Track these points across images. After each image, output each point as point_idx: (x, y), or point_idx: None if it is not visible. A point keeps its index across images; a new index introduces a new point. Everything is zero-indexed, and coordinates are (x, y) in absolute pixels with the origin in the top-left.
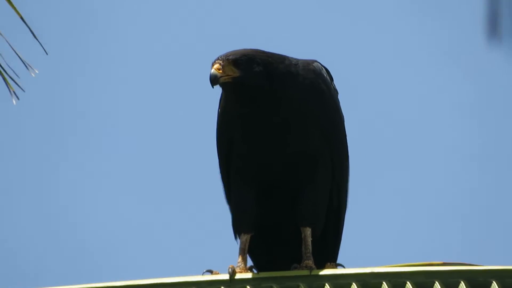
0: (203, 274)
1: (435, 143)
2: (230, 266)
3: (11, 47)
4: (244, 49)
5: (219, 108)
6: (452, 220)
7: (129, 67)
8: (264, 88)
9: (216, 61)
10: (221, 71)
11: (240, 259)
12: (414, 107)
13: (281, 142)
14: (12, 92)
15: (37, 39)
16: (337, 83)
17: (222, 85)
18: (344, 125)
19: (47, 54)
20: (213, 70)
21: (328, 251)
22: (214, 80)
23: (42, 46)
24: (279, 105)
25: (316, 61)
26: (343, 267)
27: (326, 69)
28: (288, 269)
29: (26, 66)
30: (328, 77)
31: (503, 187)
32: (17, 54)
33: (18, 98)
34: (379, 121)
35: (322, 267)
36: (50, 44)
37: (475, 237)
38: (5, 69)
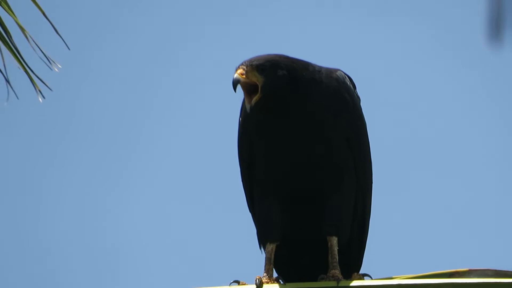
0: (230, 284)
1: (457, 148)
2: (257, 277)
3: (36, 44)
4: (268, 55)
5: (240, 117)
6: (477, 225)
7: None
8: (288, 92)
9: (240, 66)
10: (244, 76)
11: (266, 269)
12: (437, 112)
13: (304, 149)
14: (37, 90)
15: (59, 35)
16: (359, 90)
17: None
18: (367, 133)
19: (69, 49)
20: (236, 75)
21: (352, 260)
22: (235, 84)
23: (64, 41)
24: (302, 112)
25: (339, 69)
26: (370, 277)
27: (349, 77)
28: (314, 279)
29: (49, 61)
30: (351, 86)
31: None
32: (41, 51)
33: (44, 97)
34: (402, 128)
35: (348, 276)
36: (71, 40)
37: (500, 242)
38: (30, 68)
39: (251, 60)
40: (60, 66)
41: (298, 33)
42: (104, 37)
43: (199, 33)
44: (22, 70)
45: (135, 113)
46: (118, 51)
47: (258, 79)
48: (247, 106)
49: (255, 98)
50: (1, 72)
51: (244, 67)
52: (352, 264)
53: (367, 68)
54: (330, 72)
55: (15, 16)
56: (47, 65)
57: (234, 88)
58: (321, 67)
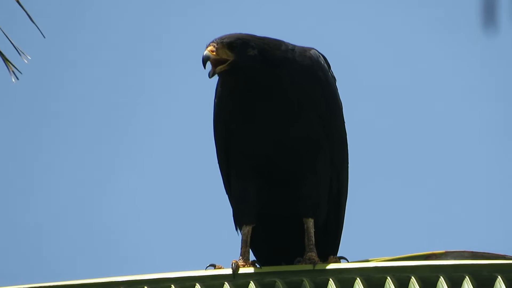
0: (206, 268)
1: (434, 129)
2: (234, 261)
3: (4, 34)
4: (239, 33)
5: (215, 98)
6: (455, 206)
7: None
8: (259, 70)
9: (211, 44)
10: (214, 53)
11: (242, 251)
12: (415, 92)
13: (278, 129)
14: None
15: (33, 22)
16: (338, 70)
17: (219, 74)
18: (342, 112)
19: (44, 37)
20: (206, 52)
21: (329, 242)
22: (205, 60)
23: (39, 29)
24: (275, 91)
25: (313, 48)
26: (347, 260)
27: (324, 57)
28: (290, 261)
29: (18, 52)
30: (325, 64)
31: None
32: (10, 41)
33: (18, 78)
34: (378, 108)
35: (324, 259)
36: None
37: (477, 224)
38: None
39: (221, 38)
40: (29, 58)
41: (277, 13)
42: (83, 25)
43: (179, 15)
44: None
45: (121, 101)
46: (97, 40)
47: (228, 56)
48: (209, 73)
49: (220, 67)
50: None
51: (215, 44)
52: (328, 247)
53: (352, 49)
54: (304, 51)
55: None
56: (19, 54)
57: (204, 65)
58: (294, 46)
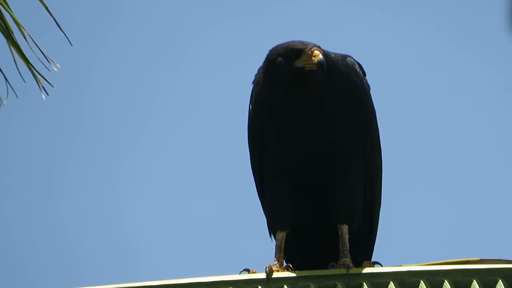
0: (240, 273)
1: (470, 136)
2: (267, 265)
3: (34, 43)
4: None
5: (250, 104)
6: (490, 215)
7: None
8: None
9: (315, 48)
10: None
11: (276, 257)
12: (448, 99)
13: (316, 136)
14: (41, 87)
15: (62, 30)
16: (369, 78)
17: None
18: (377, 120)
19: (71, 45)
20: (322, 57)
21: (362, 249)
22: (324, 64)
23: (66, 37)
24: (317, 98)
25: (349, 56)
26: (381, 265)
27: (359, 64)
28: (324, 267)
29: (48, 61)
30: (361, 72)
31: None
32: (39, 49)
33: (47, 94)
34: (413, 115)
35: (359, 265)
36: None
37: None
38: (33, 65)
39: (314, 44)
40: (59, 66)
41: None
42: (106, 34)
43: (200, 29)
44: (20, 68)
45: (141, 105)
46: (122, 48)
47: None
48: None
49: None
50: (1, 71)
51: (319, 49)
52: (362, 253)
53: (380, 62)
54: (343, 59)
55: (13, 13)
56: (45, 65)
57: (324, 69)
58: (335, 54)
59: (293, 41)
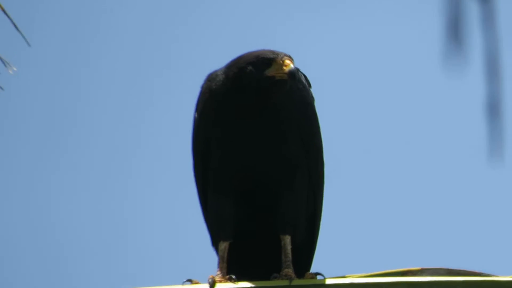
0: (183, 283)
1: (410, 145)
2: (211, 276)
3: None
4: None
5: (196, 111)
6: (430, 223)
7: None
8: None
9: (287, 58)
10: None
11: (219, 267)
12: (388, 111)
13: (261, 146)
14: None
15: (19, 30)
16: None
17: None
18: (320, 132)
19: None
20: (293, 66)
21: (303, 260)
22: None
23: (24, 37)
24: (268, 109)
25: (296, 67)
26: (323, 276)
27: (305, 76)
28: (267, 278)
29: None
30: (307, 83)
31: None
32: None
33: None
34: (351, 130)
35: (301, 276)
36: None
37: (452, 241)
38: None
39: (285, 53)
40: (15, 69)
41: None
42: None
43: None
44: None
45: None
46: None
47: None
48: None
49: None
50: None
51: (290, 59)
52: (303, 263)
53: (321, 66)
54: None
55: None
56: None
57: (295, 79)
58: None
59: (264, 50)
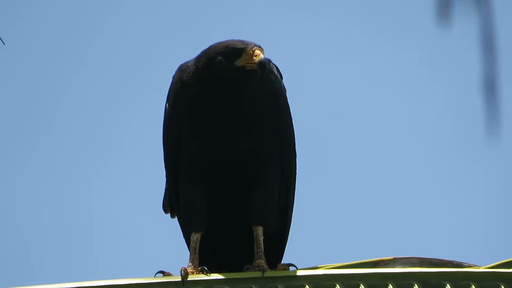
0: (155, 275)
1: (379, 136)
2: (182, 268)
3: None
4: None
5: (167, 102)
6: (401, 211)
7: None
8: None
9: (257, 48)
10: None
11: (191, 259)
12: (363, 100)
13: (234, 139)
14: None
15: None
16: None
17: (254, 71)
18: (293, 124)
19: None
20: (263, 56)
21: (275, 251)
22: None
23: None
24: (237, 101)
25: (268, 59)
26: (296, 267)
27: (277, 67)
28: (238, 269)
29: None
30: (279, 75)
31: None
32: None
33: None
34: (321, 118)
35: (273, 267)
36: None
37: (424, 230)
38: None
39: (255, 43)
40: None
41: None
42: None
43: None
44: None
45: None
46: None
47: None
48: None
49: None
50: None
51: (260, 49)
52: (273, 254)
53: (294, 56)
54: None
55: None
56: None
57: (265, 69)
58: None
59: (233, 40)
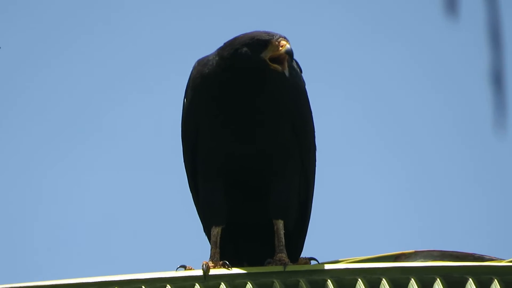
0: (177, 270)
1: (403, 130)
2: (204, 262)
3: None
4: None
5: (185, 98)
6: (424, 205)
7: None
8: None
9: (283, 39)
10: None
11: (212, 253)
12: (385, 98)
13: (253, 132)
14: None
15: None
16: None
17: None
18: (312, 118)
19: None
20: (290, 46)
21: (293, 244)
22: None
23: None
24: (263, 92)
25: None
26: (317, 261)
27: (296, 61)
28: (260, 263)
29: None
30: (298, 69)
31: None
32: None
33: None
34: (343, 112)
35: (292, 260)
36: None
37: (446, 222)
38: None
39: (281, 34)
40: None
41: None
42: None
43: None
44: None
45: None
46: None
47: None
48: (286, 72)
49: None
50: None
51: (285, 39)
52: (293, 248)
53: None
54: None
55: None
56: None
57: (292, 58)
58: None
59: (259, 31)
